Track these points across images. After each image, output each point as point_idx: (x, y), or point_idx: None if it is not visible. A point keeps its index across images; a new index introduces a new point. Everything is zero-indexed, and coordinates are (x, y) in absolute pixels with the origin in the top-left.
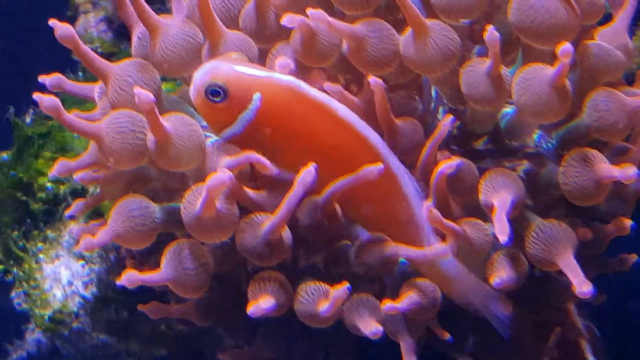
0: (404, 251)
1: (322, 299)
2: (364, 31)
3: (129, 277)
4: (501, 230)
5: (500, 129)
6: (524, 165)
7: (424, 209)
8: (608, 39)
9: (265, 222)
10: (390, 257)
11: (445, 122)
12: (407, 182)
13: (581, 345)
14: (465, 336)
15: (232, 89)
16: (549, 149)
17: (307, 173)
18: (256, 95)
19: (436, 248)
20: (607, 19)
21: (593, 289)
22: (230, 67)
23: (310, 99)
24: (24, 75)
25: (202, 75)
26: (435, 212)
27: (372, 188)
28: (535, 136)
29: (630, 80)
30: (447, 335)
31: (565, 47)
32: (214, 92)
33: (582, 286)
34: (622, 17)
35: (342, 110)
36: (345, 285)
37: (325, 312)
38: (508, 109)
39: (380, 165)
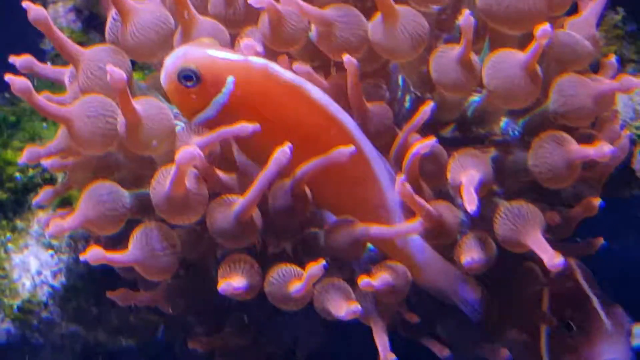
0: (374, 230)
1: (293, 279)
2: (333, 16)
3: (94, 253)
4: (469, 201)
5: (467, 117)
6: (491, 152)
7: (397, 183)
8: (577, 29)
9: (237, 202)
10: (360, 237)
11: (426, 108)
12: (380, 166)
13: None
14: (432, 322)
15: (205, 73)
16: (516, 136)
17: (281, 152)
18: (230, 79)
19: (407, 225)
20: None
21: (564, 262)
22: (202, 52)
23: (284, 81)
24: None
25: (174, 60)
26: (408, 186)
27: (343, 171)
28: (502, 124)
29: (596, 70)
30: (416, 318)
31: (544, 28)
32: (187, 76)
33: (552, 259)
34: (592, 9)
35: (316, 93)
36: (322, 262)
37: (297, 292)
38: (475, 97)
39: (351, 147)
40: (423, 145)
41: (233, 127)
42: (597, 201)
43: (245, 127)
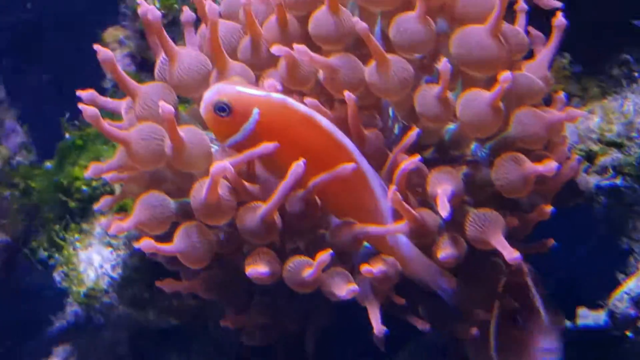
0: (370, 229)
1: (306, 266)
2: (336, 63)
3: (146, 243)
4: (443, 207)
5: (445, 142)
6: (463, 170)
7: (389, 192)
8: (532, 71)
9: (261, 207)
10: (359, 235)
11: (413, 133)
12: (374, 180)
13: (526, 283)
14: (415, 304)
15: (236, 106)
16: (483, 157)
17: (297, 166)
18: (255, 110)
19: (396, 225)
20: (530, 54)
21: (520, 256)
22: (233, 88)
23: (299, 112)
24: (65, 100)
25: (211, 95)
26: (398, 195)
27: (346, 183)
28: (472, 147)
29: (548, 104)
30: (402, 301)
31: (506, 75)
32: (221, 108)
33: (510, 254)
34: (544, 54)
35: (324, 122)
36: (329, 251)
37: (310, 276)
38: (451, 126)
39: (353, 164)
40: (410, 162)
41: (257, 148)
42: (548, 208)
43: (267, 146)
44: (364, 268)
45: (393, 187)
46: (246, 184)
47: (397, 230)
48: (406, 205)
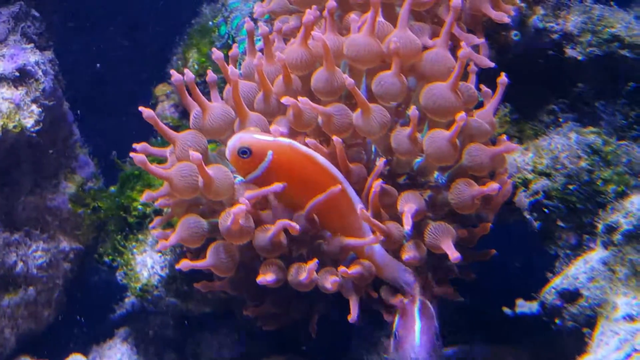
0: (350, 241)
1: (302, 272)
2: (332, 111)
3: (184, 264)
4: (407, 222)
5: (414, 171)
6: (428, 192)
7: (358, 210)
8: (482, 117)
9: (270, 229)
10: (345, 246)
11: (380, 164)
12: (357, 202)
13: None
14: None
15: (254, 149)
16: (443, 183)
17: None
18: (269, 152)
19: (370, 238)
20: (479, 104)
21: (460, 257)
22: (251, 136)
23: (301, 152)
24: (124, 142)
25: (235, 142)
26: (365, 212)
27: (337, 205)
28: (435, 175)
29: (494, 143)
30: (375, 295)
31: (462, 115)
32: (243, 152)
33: (453, 254)
34: (491, 105)
35: (321, 159)
36: (315, 261)
37: (304, 280)
38: (418, 159)
39: (338, 187)
40: (376, 185)
41: (270, 188)
42: (488, 225)
43: (277, 186)
44: (341, 269)
45: (360, 206)
46: (260, 212)
47: (370, 242)
48: (373, 220)
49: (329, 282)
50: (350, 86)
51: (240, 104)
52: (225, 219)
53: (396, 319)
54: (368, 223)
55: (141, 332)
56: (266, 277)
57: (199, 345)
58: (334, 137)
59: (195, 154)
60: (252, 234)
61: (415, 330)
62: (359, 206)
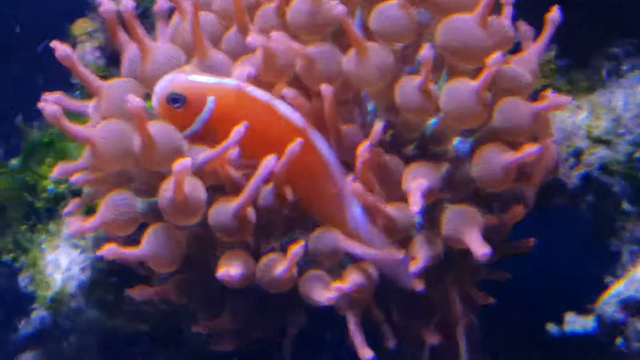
0: (358, 249)
1: (279, 263)
2: (315, 53)
3: (109, 249)
4: (414, 202)
5: (426, 137)
6: (445, 165)
7: (349, 184)
8: (520, 65)
9: (234, 200)
10: (342, 250)
11: (378, 126)
12: (334, 163)
13: (457, 330)
14: (390, 309)
15: (189, 96)
16: (465, 152)
17: (269, 159)
18: (210, 99)
19: (384, 252)
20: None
21: (490, 251)
22: (185, 78)
23: (254, 97)
24: (31, 96)
25: (163, 86)
26: (358, 186)
27: (307, 168)
28: (454, 142)
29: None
30: (381, 317)
31: (496, 56)
32: (174, 99)
33: (479, 250)
34: (535, 49)
35: (281, 106)
36: (302, 243)
37: (282, 272)
38: (432, 120)
39: (299, 141)
40: (362, 150)
41: (223, 146)
42: (522, 208)
43: (233, 151)
44: (335, 286)
45: (351, 178)
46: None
47: (383, 257)
48: (370, 198)
49: (323, 297)
50: (340, 15)
51: (201, 39)
52: (167, 189)
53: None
54: (362, 202)
55: (53, 358)
56: (229, 270)
57: None
58: (323, 86)
59: (136, 99)
60: (204, 208)
61: None
62: (336, 168)
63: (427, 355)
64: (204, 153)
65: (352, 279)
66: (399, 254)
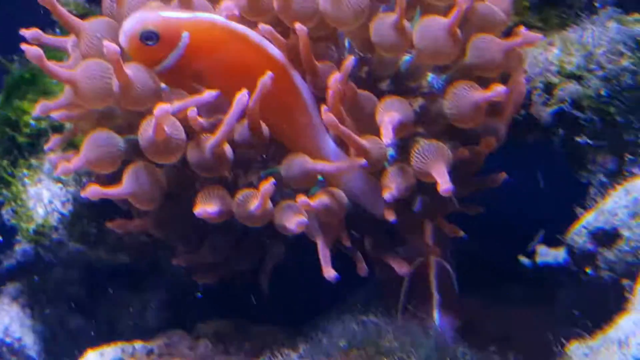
0: (322, 165)
1: (253, 198)
2: None
3: (92, 190)
4: (386, 134)
5: (401, 73)
6: (419, 101)
7: (322, 113)
8: (496, 2)
9: (210, 138)
10: (312, 170)
11: (349, 61)
12: (306, 93)
13: (430, 278)
14: (362, 238)
15: (163, 32)
16: (439, 88)
17: (242, 95)
18: (184, 35)
19: (348, 161)
20: None
21: (452, 187)
22: (157, 14)
23: (228, 29)
24: (11, 31)
25: (134, 23)
26: (331, 116)
27: (281, 100)
28: (428, 78)
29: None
30: (348, 243)
31: None
32: (147, 36)
33: (443, 185)
34: None
35: (255, 36)
36: (271, 180)
37: (257, 208)
38: (407, 57)
39: (269, 74)
40: (332, 81)
41: (200, 96)
42: (493, 140)
43: (210, 94)
44: (300, 200)
45: (325, 107)
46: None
47: (348, 167)
48: (343, 128)
49: (293, 222)
50: None
51: None
52: (147, 129)
53: (404, 287)
54: (336, 132)
55: (37, 290)
56: (207, 207)
57: (114, 308)
58: (297, 25)
59: (112, 45)
60: (184, 148)
61: (434, 307)
62: (308, 97)
63: (404, 287)
64: (180, 96)
65: (319, 199)
66: (361, 161)
